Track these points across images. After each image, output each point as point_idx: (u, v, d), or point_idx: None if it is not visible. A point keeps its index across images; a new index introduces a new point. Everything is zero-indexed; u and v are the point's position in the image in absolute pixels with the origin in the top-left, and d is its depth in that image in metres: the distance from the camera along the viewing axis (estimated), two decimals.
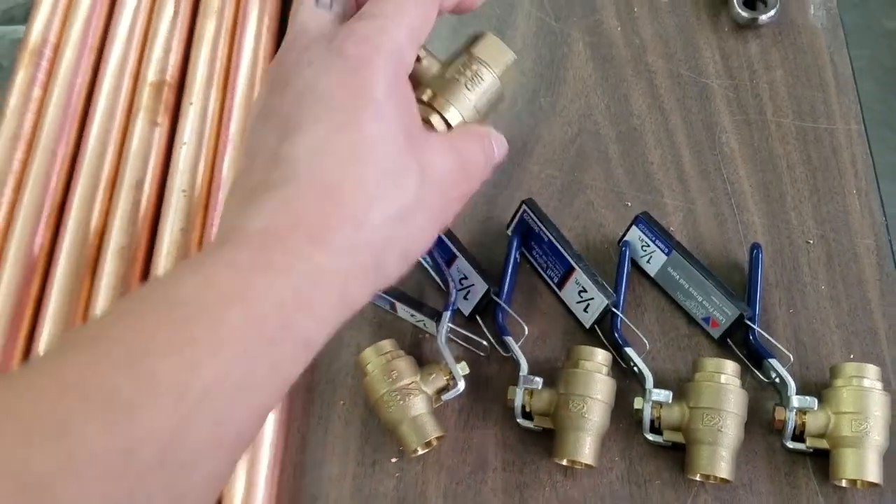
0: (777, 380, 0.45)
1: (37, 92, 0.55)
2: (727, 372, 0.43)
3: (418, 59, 0.36)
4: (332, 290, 0.28)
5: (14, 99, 0.54)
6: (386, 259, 0.31)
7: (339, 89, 0.30)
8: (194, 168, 0.52)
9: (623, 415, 0.46)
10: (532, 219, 0.49)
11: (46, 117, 0.53)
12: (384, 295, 0.48)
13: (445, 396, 0.45)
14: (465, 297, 0.49)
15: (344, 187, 0.29)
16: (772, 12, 0.57)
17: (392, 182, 0.30)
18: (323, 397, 0.47)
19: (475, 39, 0.38)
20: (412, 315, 0.48)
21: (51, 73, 0.55)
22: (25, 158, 0.53)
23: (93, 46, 0.57)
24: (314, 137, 0.29)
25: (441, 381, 0.45)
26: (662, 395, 0.44)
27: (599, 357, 0.45)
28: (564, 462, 0.44)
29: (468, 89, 0.36)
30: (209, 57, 0.56)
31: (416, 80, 0.36)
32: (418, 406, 0.44)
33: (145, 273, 0.50)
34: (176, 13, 0.57)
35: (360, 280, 0.30)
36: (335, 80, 0.30)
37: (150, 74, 0.55)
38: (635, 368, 0.46)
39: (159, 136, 0.53)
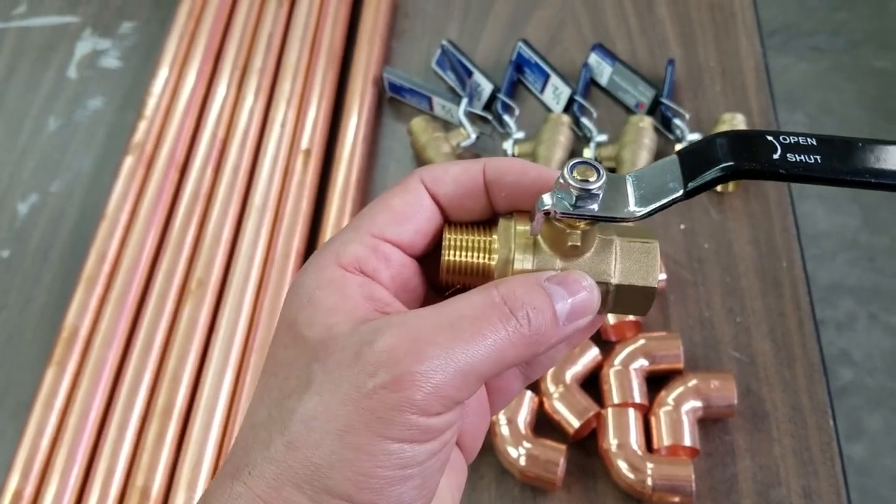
0: (678, 131, 0.68)
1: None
2: (644, 122, 0.67)
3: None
4: None
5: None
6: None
7: None
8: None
9: None
10: (526, 51, 0.74)
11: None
12: (423, 92, 0.73)
13: (463, 144, 0.69)
14: (477, 100, 0.73)
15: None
16: None
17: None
18: None
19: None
20: (443, 106, 0.73)
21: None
22: None
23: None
24: None
25: (460, 137, 0.69)
26: (602, 137, 0.68)
27: (563, 118, 0.69)
28: None
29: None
30: None
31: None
32: (445, 147, 0.68)
33: None
34: None
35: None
36: None
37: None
38: (587, 132, 0.69)
39: None
